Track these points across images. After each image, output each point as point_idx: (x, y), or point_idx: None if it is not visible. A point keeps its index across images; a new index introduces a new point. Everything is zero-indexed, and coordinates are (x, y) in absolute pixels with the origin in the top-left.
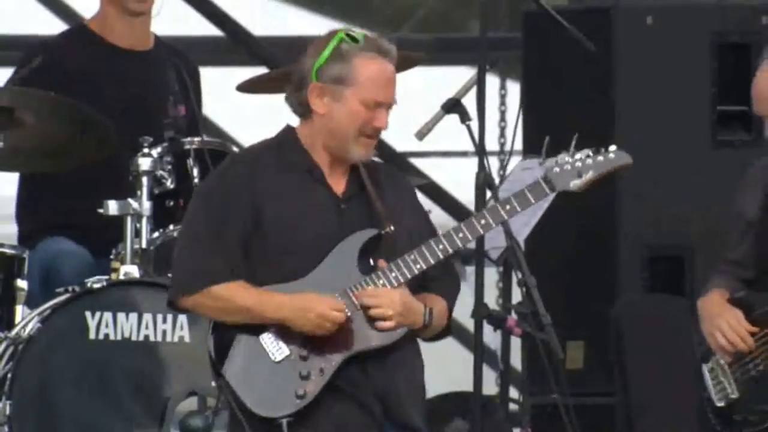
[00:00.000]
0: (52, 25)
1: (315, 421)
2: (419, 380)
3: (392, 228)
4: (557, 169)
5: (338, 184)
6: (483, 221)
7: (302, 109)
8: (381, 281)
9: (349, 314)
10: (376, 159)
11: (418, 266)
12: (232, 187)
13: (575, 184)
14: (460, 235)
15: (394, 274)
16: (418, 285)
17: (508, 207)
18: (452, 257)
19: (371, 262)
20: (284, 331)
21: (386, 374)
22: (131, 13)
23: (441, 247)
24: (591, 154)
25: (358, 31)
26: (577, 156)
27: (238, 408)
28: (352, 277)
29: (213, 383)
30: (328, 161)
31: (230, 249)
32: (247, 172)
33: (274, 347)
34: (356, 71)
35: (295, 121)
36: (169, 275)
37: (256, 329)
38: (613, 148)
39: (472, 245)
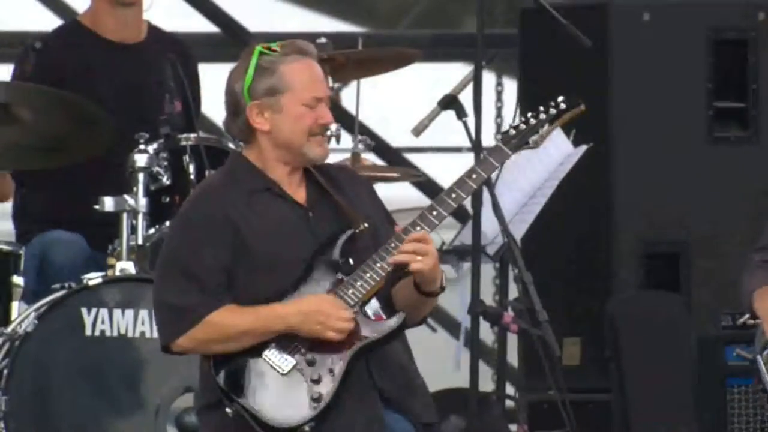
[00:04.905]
0: (48, 22)
1: (332, 423)
2: (414, 367)
3: (366, 225)
4: (513, 131)
5: (298, 195)
6: (453, 195)
7: (245, 133)
8: (368, 275)
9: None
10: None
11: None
12: (205, 222)
13: (533, 140)
14: (434, 213)
15: (379, 265)
16: (396, 276)
17: (474, 176)
18: None
19: (350, 261)
20: (286, 344)
21: (385, 366)
22: (122, 3)
23: (419, 229)
24: (542, 108)
25: (272, 44)
26: (530, 114)
27: (259, 427)
28: (340, 280)
29: (228, 410)
30: (285, 175)
31: (214, 282)
32: (215, 204)
33: (280, 360)
34: (285, 77)
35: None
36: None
37: (257, 350)
38: (561, 98)
39: (468, 241)
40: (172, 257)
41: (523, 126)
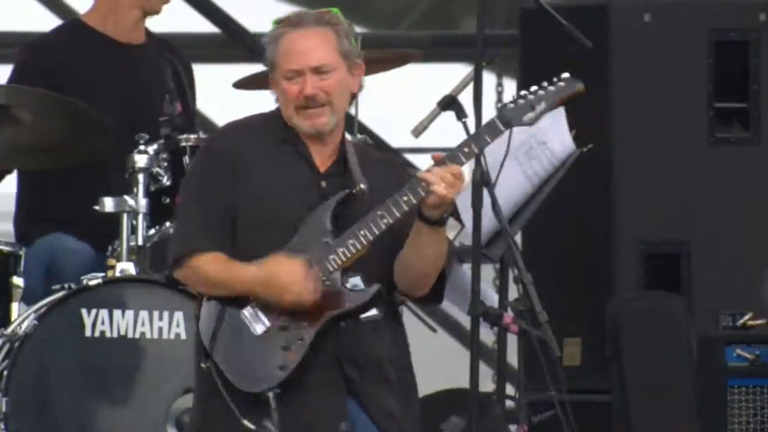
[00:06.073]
0: (50, 23)
1: (300, 392)
2: (396, 351)
3: (362, 186)
4: (511, 105)
5: (323, 162)
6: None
7: None
8: (350, 241)
9: (324, 280)
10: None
11: (385, 221)
12: (218, 159)
13: (529, 117)
14: (423, 183)
15: (362, 232)
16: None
17: (466, 150)
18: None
19: (338, 227)
20: (264, 304)
21: (359, 342)
22: (152, 13)
23: (405, 198)
24: (543, 85)
25: (292, 12)
26: (530, 89)
27: (225, 387)
28: (325, 244)
29: (203, 365)
30: (309, 141)
31: (215, 221)
32: (233, 144)
33: (255, 321)
34: (273, 54)
35: None
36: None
37: (239, 304)
38: (565, 75)
39: (468, 241)
40: (189, 190)
41: (521, 101)
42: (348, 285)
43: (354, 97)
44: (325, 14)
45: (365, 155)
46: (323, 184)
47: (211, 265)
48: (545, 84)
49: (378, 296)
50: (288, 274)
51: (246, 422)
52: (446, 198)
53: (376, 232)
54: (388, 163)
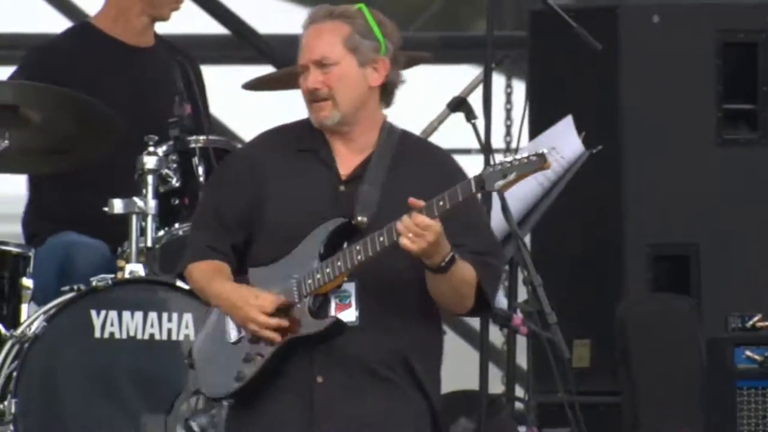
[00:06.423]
0: (59, 24)
1: (253, 407)
2: (389, 354)
3: (362, 219)
4: (490, 170)
5: (348, 165)
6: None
7: None
8: (328, 269)
9: (296, 302)
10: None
11: (359, 257)
12: (236, 168)
13: (498, 184)
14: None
15: (339, 263)
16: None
17: (441, 203)
18: (493, 261)
19: (326, 252)
20: None
21: (329, 367)
22: (161, 19)
23: (381, 239)
24: (517, 157)
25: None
26: (509, 158)
27: (193, 387)
28: (310, 265)
29: (186, 361)
30: (333, 140)
31: (222, 229)
32: (254, 152)
33: (233, 327)
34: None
35: (300, 117)
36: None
37: None
38: (540, 151)
39: None
40: (205, 195)
41: (498, 167)
42: (338, 290)
43: (387, 92)
44: (339, 8)
45: (407, 155)
46: (342, 188)
47: (199, 276)
48: (520, 156)
49: (337, 327)
50: (253, 308)
51: (191, 422)
52: (411, 250)
53: (349, 266)
54: (430, 162)
